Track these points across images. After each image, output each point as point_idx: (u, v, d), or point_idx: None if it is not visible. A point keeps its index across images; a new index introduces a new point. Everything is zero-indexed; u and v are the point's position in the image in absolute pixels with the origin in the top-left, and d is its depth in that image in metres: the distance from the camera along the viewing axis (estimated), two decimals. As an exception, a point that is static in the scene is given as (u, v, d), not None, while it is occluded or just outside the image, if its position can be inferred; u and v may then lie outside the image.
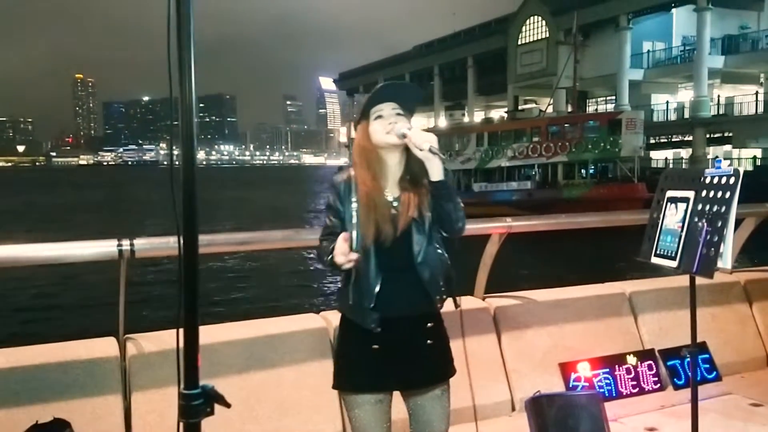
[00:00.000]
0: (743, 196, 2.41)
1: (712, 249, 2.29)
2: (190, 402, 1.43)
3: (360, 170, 2.36)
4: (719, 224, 2.29)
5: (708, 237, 2.32)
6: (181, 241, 1.55)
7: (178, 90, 1.49)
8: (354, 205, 2.33)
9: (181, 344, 1.54)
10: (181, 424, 1.42)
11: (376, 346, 2.33)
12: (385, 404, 2.40)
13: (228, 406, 1.47)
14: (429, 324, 2.41)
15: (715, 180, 2.39)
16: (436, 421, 2.42)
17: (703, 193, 2.41)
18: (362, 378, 2.36)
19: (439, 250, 2.39)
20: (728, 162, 2.51)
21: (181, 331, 1.55)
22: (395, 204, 2.35)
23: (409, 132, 2.26)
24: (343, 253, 2.18)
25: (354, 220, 2.32)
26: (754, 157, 34.75)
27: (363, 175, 2.35)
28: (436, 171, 2.25)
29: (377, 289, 2.30)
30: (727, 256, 2.27)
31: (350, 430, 2.45)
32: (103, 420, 3.31)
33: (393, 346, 2.34)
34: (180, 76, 1.48)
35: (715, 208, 2.34)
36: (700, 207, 2.41)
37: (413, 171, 2.35)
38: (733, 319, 5.20)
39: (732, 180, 2.32)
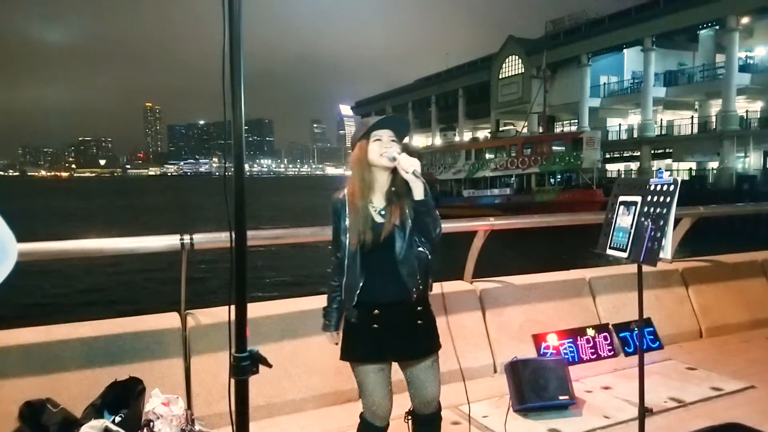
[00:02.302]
0: (681, 200, 2.39)
1: (656, 243, 2.28)
2: (240, 363, 1.43)
3: (352, 184, 2.33)
4: (661, 223, 2.28)
5: (652, 233, 2.30)
6: (233, 236, 1.55)
7: (230, 114, 1.50)
8: (346, 219, 2.32)
9: (233, 317, 1.55)
10: (233, 381, 1.42)
11: (376, 326, 2.30)
12: (386, 372, 2.36)
13: (270, 366, 1.47)
14: (419, 308, 2.37)
15: (658, 187, 2.37)
16: (429, 386, 2.38)
17: (648, 198, 2.39)
18: (365, 351, 2.33)
19: (420, 248, 2.32)
20: (669, 173, 2.47)
21: (233, 307, 1.55)
22: (382, 213, 2.31)
23: (398, 156, 2.23)
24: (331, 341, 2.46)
25: (347, 230, 2.32)
26: (690, 169, 34.48)
27: (354, 188, 2.32)
28: (418, 191, 2.22)
29: (360, 286, 2.28)
30: (667, 249, 2.25)
31: (361, 397, 2.40)
32: (168, 378, 3.33)
33: (390, 325, 2.31)
34: (233, 103, 1.49)
35: (658, 210, 2.32)
36: (646, 209, 2.39)
37: (398, 187, 2.31)
38: (673, 299, 5.17)
39: (671, 187, 2.30)
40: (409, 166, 2.19)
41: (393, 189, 2.33)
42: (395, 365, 2.43)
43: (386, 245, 2.28)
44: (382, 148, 2.28)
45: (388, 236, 2.27)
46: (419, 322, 2.36)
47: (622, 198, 2.55)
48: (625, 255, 2.42)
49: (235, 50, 1.48)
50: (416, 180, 2.20)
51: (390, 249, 2.28)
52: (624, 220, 2.49)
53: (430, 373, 2.38)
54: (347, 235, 2.31)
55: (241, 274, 1.47)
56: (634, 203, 2.46)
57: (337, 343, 2.41)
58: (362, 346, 2.33)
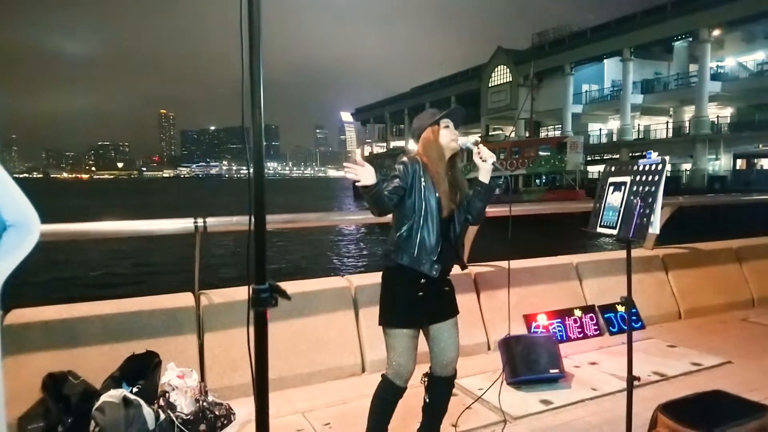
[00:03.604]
0: None
1: (644, 219, 2.23)
2: (259, 295, 1.37)
3: (430, 160, 2.36)
4: (650, 200, 2.23)
5: (641, 210, 2.26)
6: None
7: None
8: (423, 182, 2.31)
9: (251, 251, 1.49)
10: (251, 313, 1.35)
11: (421, 294, 2.32)
12: (417, 338, 2.39)
13: (288, 298, 1.42)
14: (447, 277, 2.44)
15: (647, 167, 2.33)
16: (451, 347, 2.41)
17: (638, 178, 2.35)
18: (406, 318, 2.34)
19: (466, 221, 2.46)
20: (656, 153, 2.43)
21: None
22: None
23: (477, 147, 2.38)
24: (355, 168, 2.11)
25: (423, 194, 2.30)
26: (666, 171, 34.53)
27: (434, 163, 2.36)
28: (486, 176, 2.39)
29: (439, 248, 2.31)
30: (656, 224, 2.21)
31: (388, 358, 2.38)
32: (183, 353, 3.29)
33: (429, 293, 2.34)
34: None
35: (647, 189, 2.28)
36: (635, 188, 2.34)
37: (455, 172, 2.43)
38: (654, 283, 5.14)
39: (660, 166, 2.27)
40: (489, 157, 2.38)
41: (452, 173, 2.42)
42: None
43: (447, 221, 2.38)
44: (452, 134, 2.41)
45: (449, 214, 2.37)
46: (446, 288, 2.43)
47: (612, 179, 2.51)
48: (614, 232, 2.38)
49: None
50: (491, 168, 2.38)
51: (450, 225, 2.39)
52: (614, 199, 2.45)
53: (452, 333, 2.43)
54: (423, 195, 2.30)
55: (260, 199, 1.40)
56: (624, 184, 2.42)
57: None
58: (404, 314, 2.34)
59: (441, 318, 2.40)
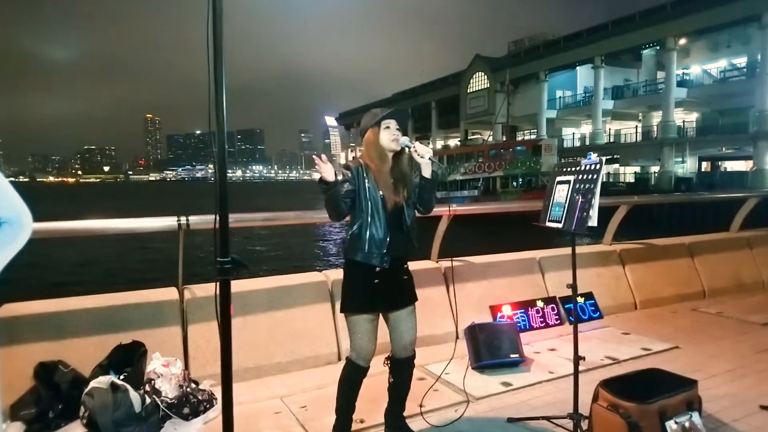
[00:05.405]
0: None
1: (585, 213, 2.42)
2: (223, 266, 1.51)
3: (370, 160, 2.50)
4: (589, 196, 2.42)
5: (582, 206, 2.44)
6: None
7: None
8: (367, 183, 2.44)
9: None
10: (218, 283, 1.50)
11: (377, 281, 2.45)
12: (376, 322, 2.51)
13: (248, 269, 1.56)
14: (405, 266, 2.57)
15: (588, 167, 2.51)
16: (409, 331, 2.56)
17: (580, 177, 2.54)
18: (363, 304, 2.46)
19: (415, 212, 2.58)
20: (596, 155, 2.60)
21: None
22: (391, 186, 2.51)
23: (413, 144, 2.46)
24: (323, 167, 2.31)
25: (368, 194, 2.43)
26: (635, 172, 35.17)
27: (374, 162, 2.49)
28: (427, 171, 2.48)
29: (388, 239, 2.44)
30: (594, 218, 2.39)
31: (350, 342, 2.52)
32: (168, 343, 3.38)
33: (386, 280, 2.47)
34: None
35: (586, 186, 2.46)
36: (578, 186, 2.53)
37: (401, 168, 2.53)
38: (611, 276, 5.35)
39: (598, 166, 2.45)
40: (425, 153, 2.45)
41: (397, 169, 2.52)
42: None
43: (398, 213, 2.48)
44: (392, 134, 2.49)
45: (400, 205, 2.48)
46: (405, 277, 2.56)
47: (559, 178, 2.69)
48: (560, 225, 2.56)
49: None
50: (429, 162, 2.45)
51: (401, 216, 2.49)
52: (560, 196, 2.63)
53: (410, 319, 2.56)
54: (369, 195, 2.43)
55: (224, 193, 1.55)
56: (569, 182, 2.60)
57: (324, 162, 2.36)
58: (361, 301, 2.47)
59: (399, 306, 2.54)
